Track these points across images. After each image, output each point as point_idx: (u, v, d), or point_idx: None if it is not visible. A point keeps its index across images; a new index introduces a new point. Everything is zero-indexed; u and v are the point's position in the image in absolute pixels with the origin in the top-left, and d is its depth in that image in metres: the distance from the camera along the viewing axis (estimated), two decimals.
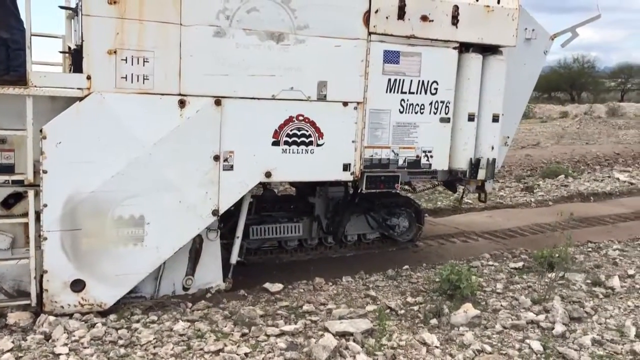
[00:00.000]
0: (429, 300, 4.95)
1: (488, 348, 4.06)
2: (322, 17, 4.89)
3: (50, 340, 3.97)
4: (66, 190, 4.26)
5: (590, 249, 6.86)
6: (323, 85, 5.00)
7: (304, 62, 4.88)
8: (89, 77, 4.23)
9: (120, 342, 3.98)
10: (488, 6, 5.55)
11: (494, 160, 5.93)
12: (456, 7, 5.39)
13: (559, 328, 4.37)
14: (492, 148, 5.90)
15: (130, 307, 4.59)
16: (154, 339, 4.04)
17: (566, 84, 50.33)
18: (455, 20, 5.40)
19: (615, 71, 53.58)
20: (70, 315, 4.33)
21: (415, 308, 4.79)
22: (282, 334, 4.20)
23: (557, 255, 5.85)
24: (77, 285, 4.37)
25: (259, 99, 4.79)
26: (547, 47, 6.43)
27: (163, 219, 4.56)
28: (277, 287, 5.20)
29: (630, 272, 5.87)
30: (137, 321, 4.34)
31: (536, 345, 4.11)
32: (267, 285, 5.22)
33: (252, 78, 4.72)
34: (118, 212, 4.42)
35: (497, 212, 9.58)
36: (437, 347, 4.08)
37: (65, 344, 3.91)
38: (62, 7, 5.61)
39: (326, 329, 4.25)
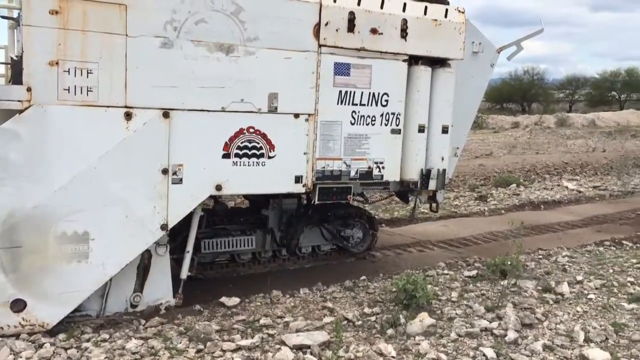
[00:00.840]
0: (386, 310, 4.95)
1: (443, 357, 4.08)
2: (272, 29, 4.87)
3: None
4: (6, 206, 4.08)
5: (540, 256, 7.01)
6: (274, 97, 4.97)
7: (254, 74, 4.85)
8: (29, 89, 4.08)
9: None
10: (436, 20, 5.64)
11: (444, 170, 5.99)
12: (405, 21, 5.46)
13: (511, 335, 4.43)
14: (443, 159, 5.97)
15: (81, 325, 4.42)
16: (105, 358, 3.91)
17: (517, 95, 51.99)
18: (404, 33, 5.48)
19: (564, 83, 55.74)
20: (17, 336, 4.15)
21: (373, 318, 4.79)
22: (239, 348, 4.12)
23: (509, 263, 5.95)
24: (17, 305, 4.18)
25: (208, 111, 4.72)
26: (494, 60, 6.57)
27: (109, 234, 4.42)
28: (234, 301, 5.12)
29: (579, 277, 6.02)
30: (88, 340, 4.19)
31: (490, 353, 4.15)
32: (223, 299, 5.12)
33: (201, 90, 4.65)
34: (61, 228, 4.26)
35: (452, 221, 9.72)
36: (393, 357, 4.08)
37: None
38: (3, 17, 5.42)
39: (283, 343, 4.21)
